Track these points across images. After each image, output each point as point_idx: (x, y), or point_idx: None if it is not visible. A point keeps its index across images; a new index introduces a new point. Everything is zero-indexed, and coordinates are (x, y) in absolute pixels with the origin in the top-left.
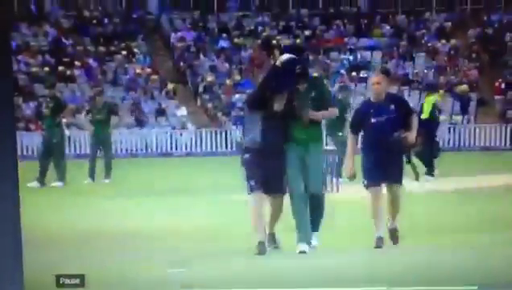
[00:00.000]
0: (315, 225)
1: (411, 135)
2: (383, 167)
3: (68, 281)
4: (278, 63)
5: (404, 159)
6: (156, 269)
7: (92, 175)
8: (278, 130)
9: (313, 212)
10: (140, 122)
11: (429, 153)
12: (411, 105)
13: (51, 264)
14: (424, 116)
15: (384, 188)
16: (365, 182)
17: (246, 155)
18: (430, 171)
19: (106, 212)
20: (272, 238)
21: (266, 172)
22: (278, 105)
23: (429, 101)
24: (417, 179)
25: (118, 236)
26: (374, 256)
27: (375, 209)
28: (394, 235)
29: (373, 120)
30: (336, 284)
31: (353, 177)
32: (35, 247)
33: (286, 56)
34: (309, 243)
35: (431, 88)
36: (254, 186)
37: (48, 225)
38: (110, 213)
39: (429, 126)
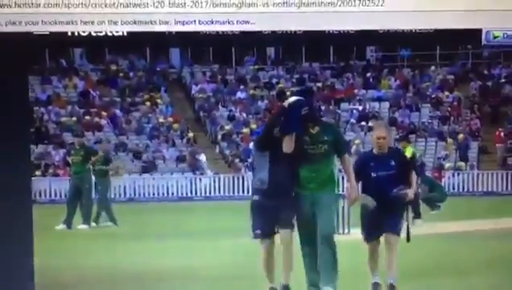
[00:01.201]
0: (329, 279)
1: (411, 192)
2: (382, 222)
3: None
4: (285, 104)
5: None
6: None
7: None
8: (288, 171)
9: (326, 263)
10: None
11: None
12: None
13: None
14: None
15: (382, 240)
16: (364, 235)
17: (255, 197)
18: (417, 215)
19: (126, 254)
20: (287, 289)
21: (275, 213)
22: (286, 147)
23: (408, 151)
24: (408, 240)
25: (135, 277)
26: None
27: (372, 259)
28: None
29: (373, 174)
30: None
31: (354, 201)
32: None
33: (293, 98)
34: (318, 288)
35: (406, 138)
36: (260, 234)
37: (73, 266)
38: (130, 255)
39: None
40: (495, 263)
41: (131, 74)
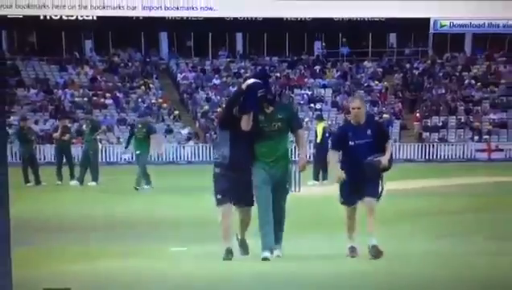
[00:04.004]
0: (277, 239)
1: (385, 159)
2: (359, 188)
3: None
4: (243, 86)
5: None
6: (162, 248)
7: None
8: (246, 147)
9: (275, 226)
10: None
11: (320, 164)
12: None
13: (72, 240)
14: (318, 140)
15: (359, 205)
16: (342, 200)
17: (217, 170)
18: (316, 177)
19: (129, 204)
20: (243, 243)
21: (235, 186)
22: (244, 125)
23: (320, 127)
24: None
25: (132, 224)
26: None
27: (349, 222)
28: (376, 251)
29: (351, 143)
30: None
31: (341, 180)
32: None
33: (251, 80)
34: (272, 251)
35: (321, 117)
36: (221, 199)
37: (83, 214)
38: (132, 204)
39: (323, 147)
40: (411, 215)
41: (130, 64)
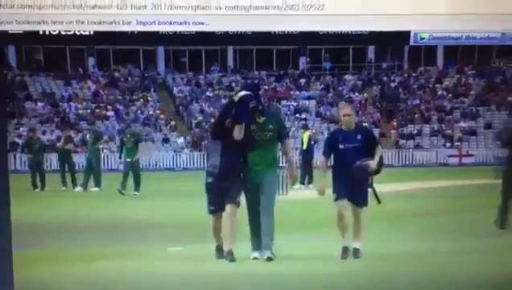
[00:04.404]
0: (269, 240)
1: (373, 163)
2: (349, 188)
3: None
4: (235, 97)
5: (368, 183)
6: (160, 248)
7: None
8: (237, 157)
9: (266, 228)
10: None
11: (306, 169)
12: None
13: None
14: (304, 147)
15: (349, 207)
16: (334, 197)
17: (209, 180)
18: (302, 181)
19: (129, 207)
20: (230, 253)
21: (225, 192)
22: (237, 134)
23: (306, 135)
24: (379, 202)
25: (132, 226)
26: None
27: (339, 221)
28: (356, 254)
29: (341, 146)
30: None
31: (322, 194)
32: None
33: (242, 93)
34: (261, 251)
35: (306, 126)
36: (213, 210)
37: (86, 216)
38: (132, 208)
39: (309, 154)
40: (390, 216)
41: (129, 79)
